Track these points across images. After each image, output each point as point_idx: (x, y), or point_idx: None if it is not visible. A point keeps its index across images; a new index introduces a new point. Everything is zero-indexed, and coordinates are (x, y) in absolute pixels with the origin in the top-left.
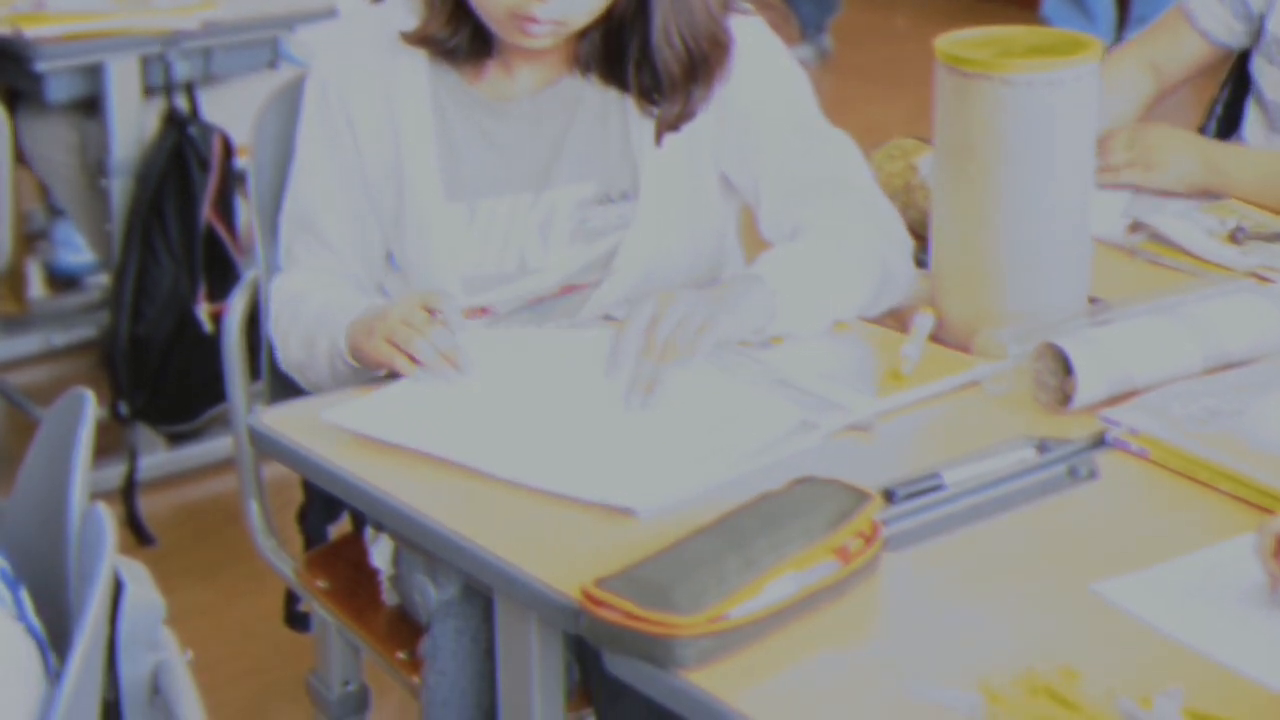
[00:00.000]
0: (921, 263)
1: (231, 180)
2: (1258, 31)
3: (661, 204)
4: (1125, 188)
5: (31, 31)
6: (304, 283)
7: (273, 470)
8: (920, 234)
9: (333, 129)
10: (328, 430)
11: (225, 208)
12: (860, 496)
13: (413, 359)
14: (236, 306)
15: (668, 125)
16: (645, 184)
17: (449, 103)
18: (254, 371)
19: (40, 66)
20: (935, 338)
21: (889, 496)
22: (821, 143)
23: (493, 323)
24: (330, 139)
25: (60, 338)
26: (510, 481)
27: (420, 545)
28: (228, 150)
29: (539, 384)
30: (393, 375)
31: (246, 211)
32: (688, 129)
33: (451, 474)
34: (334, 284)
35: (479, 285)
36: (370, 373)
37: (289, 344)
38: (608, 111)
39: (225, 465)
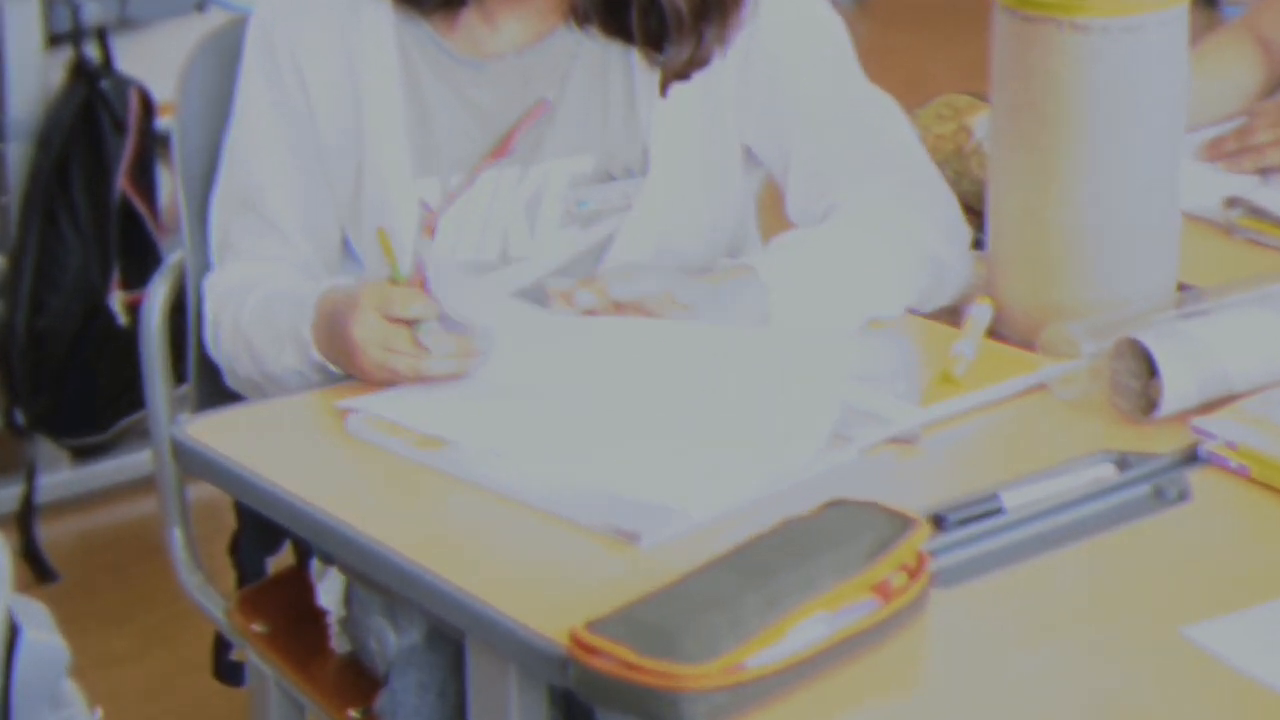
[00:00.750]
0: (977, 243)
1: (152, 144)
2: None
3: (673, 182)
4: (1275, 171)
5: None
6: (241, 278)
7: (200, 491)
8: (975, 208)
9: (280, 86)
10: (266, 444)
11: (144, 177)
12: (903, 523)
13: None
14: (157, 295)
15: (675, 73)
16: (655, 158)
17: (419, 58)
18: (178, 373)
19: None
20: (993, 332)
21: (938, 522)
22: (861, 108)
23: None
24: (277, 99)
25: None
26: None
27: (377, 581)
28: (147, 109)
29: (556, 369)
30: None
31: (169, 182)
32: (705, 90)
33: (414, 498)
34: (275, 275)
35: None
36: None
37: (238, 361)
38: (609, 71)
39: (142, 485)
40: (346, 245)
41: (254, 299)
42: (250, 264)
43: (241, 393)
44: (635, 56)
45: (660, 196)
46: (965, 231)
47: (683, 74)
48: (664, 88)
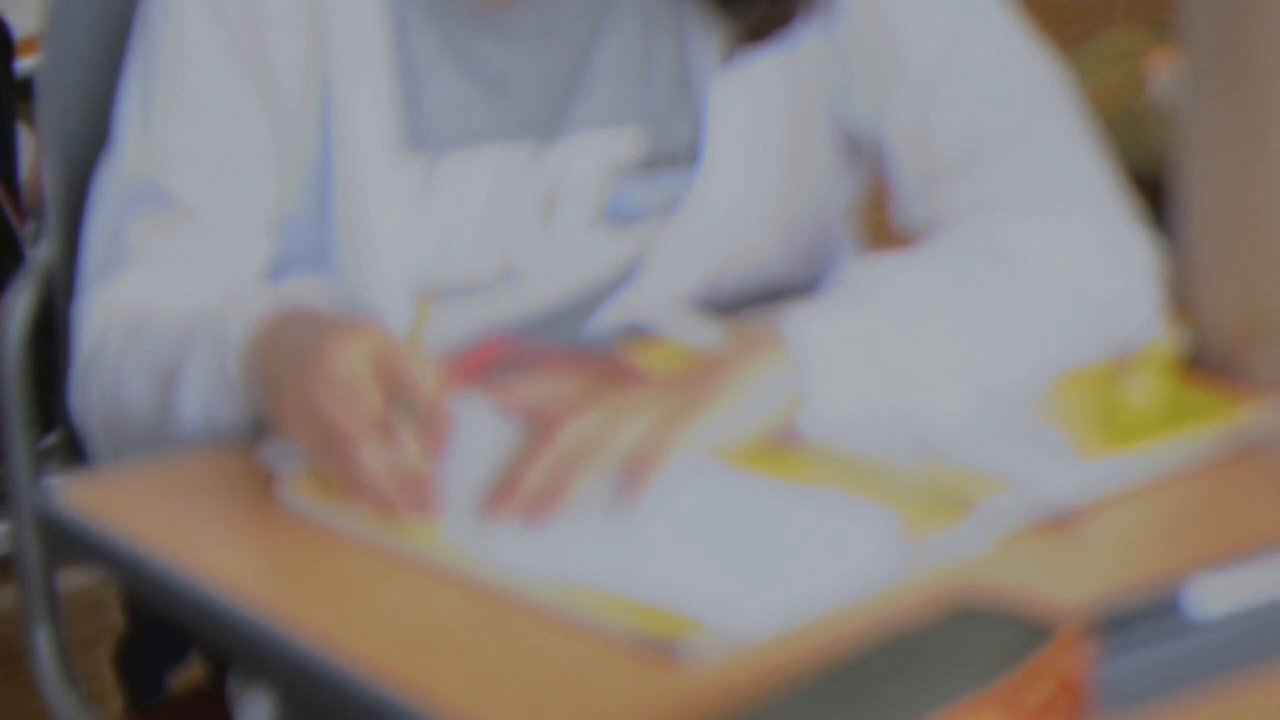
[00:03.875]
0: (1157, 229)
1: (9, 96)
2: None
3: (737, 176)
4: None
5: None
6: (150, 291)
7: (75, 579)
8: (1153, 187)
9: (225, 27)
10: (167, 515)
11: (2, 143)
12: (1050, 631)
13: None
14: (16, 308)
15: (748, 34)
16: (714, 143)
17: (408, 2)
18: (46, 415)
19: None
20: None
21: (1100, 630)
22: (990, 72)
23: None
24: (223, 44)
25: None
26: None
27: (320, 704)
28: (3, 46)
29: None
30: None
31: (33, 151)
32: (782, 58)
33: (372, 593)
34: (219, 288)
35: (438, 298)
36: (251, 412)
37: (121, 394)
38: (653, 23)
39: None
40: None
41: (173, 316)
42: (164, 279)
43: (108, 451)
44: (688, 9)
45: (720, 193)
46: (1142, 252)
47: (753, 39)
48: (732, 55)
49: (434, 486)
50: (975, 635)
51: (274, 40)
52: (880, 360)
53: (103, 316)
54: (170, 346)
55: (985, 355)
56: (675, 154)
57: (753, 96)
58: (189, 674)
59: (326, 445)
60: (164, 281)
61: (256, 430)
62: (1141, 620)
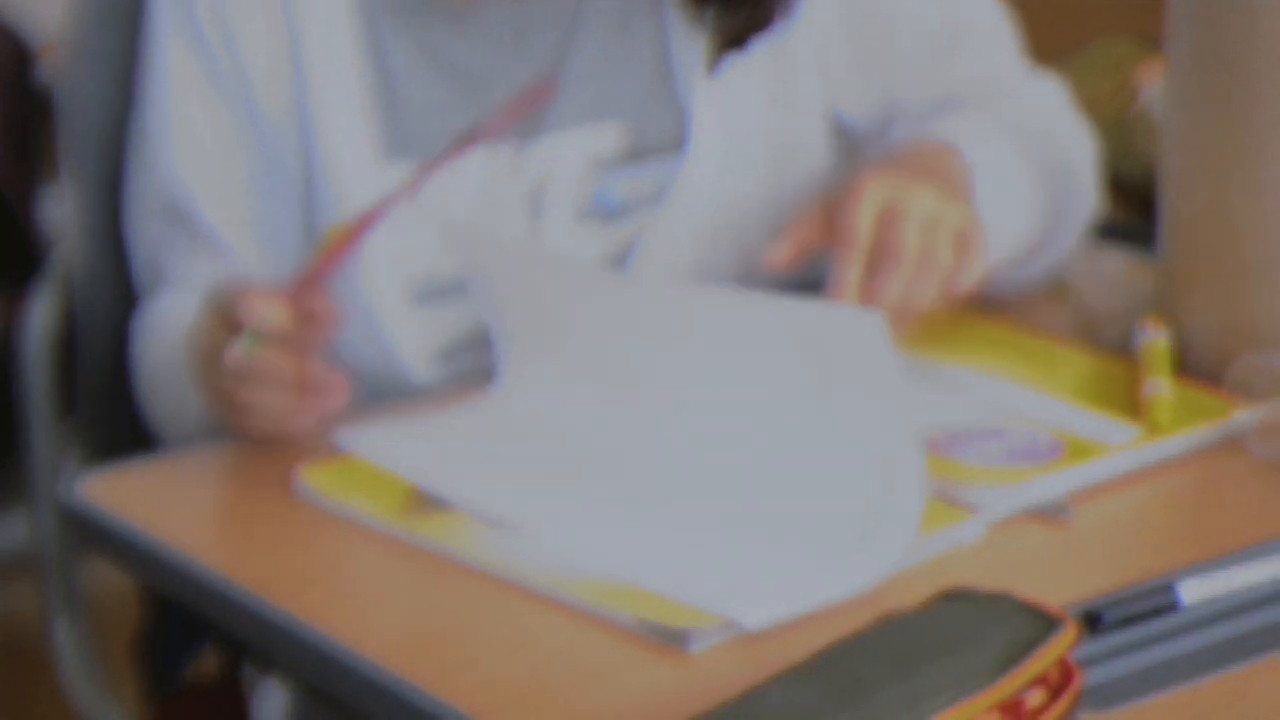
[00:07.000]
0: (1146, 243)
1: (29, 104)
2: None
3: (724, 163)
4: None
5: None
6: (171, 310)
7: (95, 573)
8: (1144, 195)
9: (203, 50)
10: (189, 509)
11: (18, 149)
12: (1044, 623)
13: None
14: (40, 310)
15: (727, 41)
16: (700, 132)
17: (378, 4)
18: (67, 403)
19: None
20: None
21: (1092, 622)
22: (991, 23)
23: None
24: (203, 66)
25: None
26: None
27: (335, 695)
28: (21, 56)
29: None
30: None
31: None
32: (768, 44)
33: (387, 583)
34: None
35: (432, 295)
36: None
37: (168, 411)
38: (632, 15)
39: (17, 564)
40: None
41: (172, 334)
42: (187, 295)
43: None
44: (669, 2)
45: (707, 181)
46: (1091, 145)
47: (736, 43)
48: (714, 62)
49: (324, 380)
50: (977, 624)
51: (250, 57)
52: (1004, 180)
53: (140, 338)
54: (170, 379)
55: (1026, 196)
56: (660, 145)
57: (737, 84)
58: (205, 664)
59: (250, 420)
60: (179, 303)
61: None
62: (1136, 613)
